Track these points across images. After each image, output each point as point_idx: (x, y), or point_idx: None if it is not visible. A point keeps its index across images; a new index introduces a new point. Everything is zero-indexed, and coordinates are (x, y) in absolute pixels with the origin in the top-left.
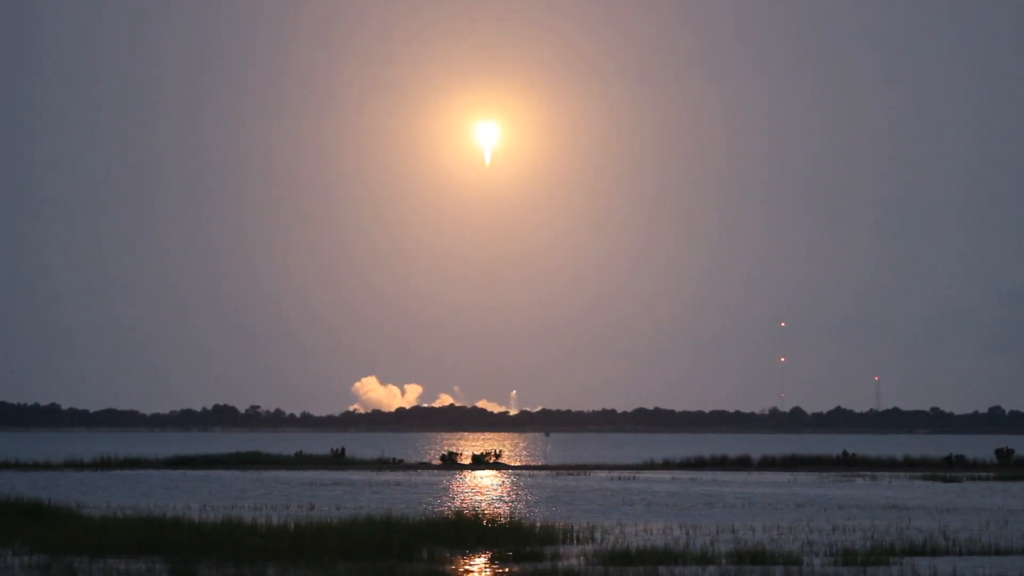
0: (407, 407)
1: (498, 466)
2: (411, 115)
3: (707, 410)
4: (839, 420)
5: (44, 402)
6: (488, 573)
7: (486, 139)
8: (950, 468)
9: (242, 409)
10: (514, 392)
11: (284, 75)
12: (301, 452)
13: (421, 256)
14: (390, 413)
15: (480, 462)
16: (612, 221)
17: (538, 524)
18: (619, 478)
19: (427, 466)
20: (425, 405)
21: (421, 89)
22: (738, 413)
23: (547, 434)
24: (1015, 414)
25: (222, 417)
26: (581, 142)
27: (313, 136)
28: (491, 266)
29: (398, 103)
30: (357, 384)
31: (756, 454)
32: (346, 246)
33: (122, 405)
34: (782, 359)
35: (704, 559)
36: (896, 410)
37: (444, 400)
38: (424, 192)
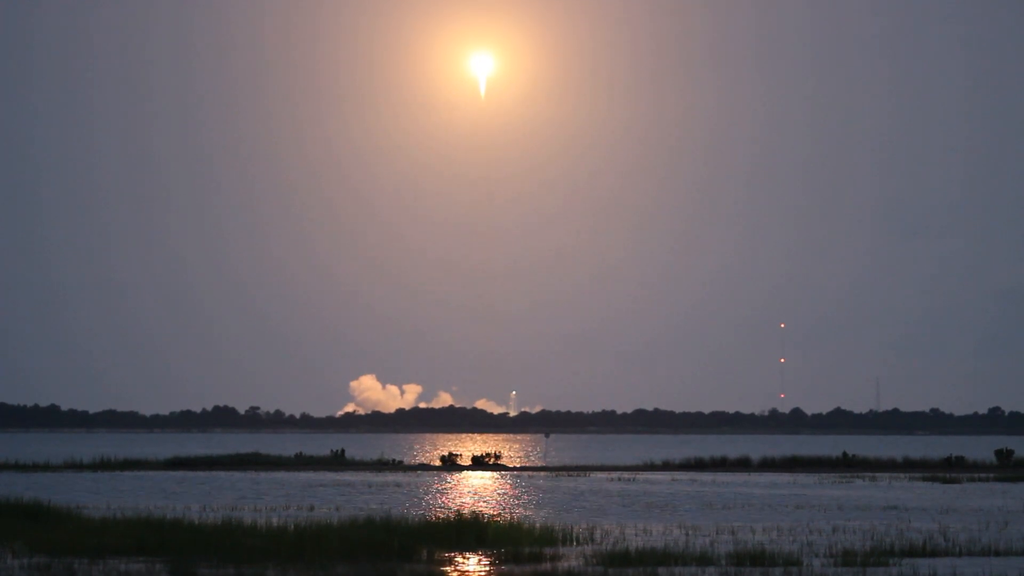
0: (407, 408)
1: (498, 467)
2: (404, 45)
3: (707, 411)
4: (839, 421)
5: (44, 402)
6: (488, 574)
7: (481, 70)
8: (950, 469)
9: (242, 410)
10: (514, 393)
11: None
12: (301, 453)
13: (415, 192)
14: (390, 414)
15: (480, 463)
16: (608, 189)
17: (537, 525)
18: (619, 479)
19: (427, 467)
20: (423, 405)
21: (413, 18)
22: (738, 414)
23: (547, 435)
24: (1015, 414)
25: (222, 418)
26: (576, 70)
27: (307, 81)
28: (484, 197)
29: (389, 32)
30: (354, 383)
31: (756, 455)
32: (342, 217)
33: (122, 406)
34: (782, 359)
35: (704, 560)
36: (896, 411)
37: (443, 400)
38: (416, 123)
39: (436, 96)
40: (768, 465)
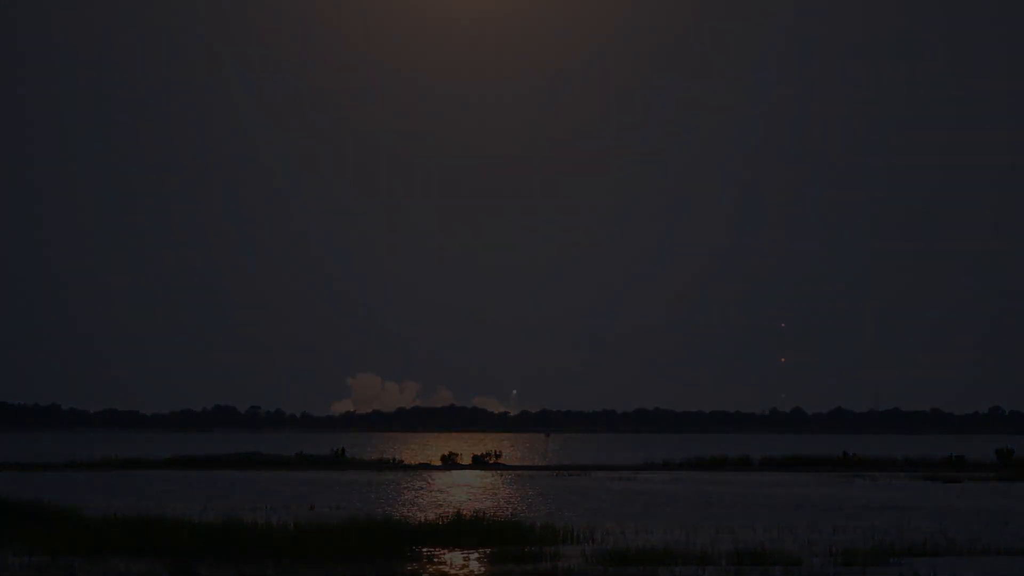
0: (407, 407)
1: (498, 466)
2: None
3: (707, 410)
4: (839, 421)
5: (44, 402)
6: (488, 573)
7: None
8: (950, 468)
9: (242, 409)
10: (515, 392)
11: None
12: (301, 452)
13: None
14: (390, 413)
15: (480, 462)
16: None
17: (538, 524)
18: (619, 478)
19: (427, 466)
20: (423, 404)
21: None
22: (738, 413)
23: (547, 434)
24: (1015, 414)
25: (222, 417)
26: None
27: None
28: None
29: None
30: (352, 380)
31: (756, 454)
32: (339, 212)
33: (122, 405)
34: (782, 359)
35: (703, 559)
36: (896, 410)
37: (443, 397)
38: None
39: None
40: (768, 464)
